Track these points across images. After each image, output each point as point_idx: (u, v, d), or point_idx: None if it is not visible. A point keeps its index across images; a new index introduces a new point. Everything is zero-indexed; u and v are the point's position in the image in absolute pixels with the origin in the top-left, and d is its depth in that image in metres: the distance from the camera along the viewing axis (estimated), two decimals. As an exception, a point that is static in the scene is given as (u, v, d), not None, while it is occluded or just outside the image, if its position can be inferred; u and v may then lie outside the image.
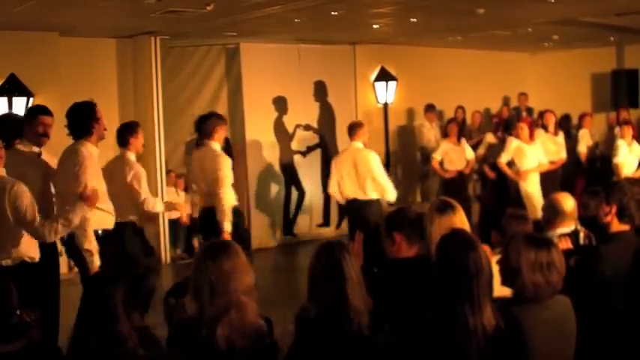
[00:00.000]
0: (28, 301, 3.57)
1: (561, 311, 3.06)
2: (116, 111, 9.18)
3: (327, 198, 10.77)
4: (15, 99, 7.78)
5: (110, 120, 5.53)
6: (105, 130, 5.05)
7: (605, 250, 3.85)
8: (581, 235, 4.09)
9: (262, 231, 10.19)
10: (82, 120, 4.89)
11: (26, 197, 4.33)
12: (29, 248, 4.46)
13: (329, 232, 10.70)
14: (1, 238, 4.37)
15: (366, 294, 3.04)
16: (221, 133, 6.50)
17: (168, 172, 9.43)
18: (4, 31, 7.81)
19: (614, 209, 3.90)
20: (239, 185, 10.00)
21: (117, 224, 5.22)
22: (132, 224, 5.66)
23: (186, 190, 9.70)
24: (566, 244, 4.00)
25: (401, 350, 3.02)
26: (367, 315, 3.00)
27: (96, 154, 4.92)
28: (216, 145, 6.42)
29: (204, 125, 6.48)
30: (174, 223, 9.50)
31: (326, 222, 10.75)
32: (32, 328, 3.18)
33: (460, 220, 3.71)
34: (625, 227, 3.90)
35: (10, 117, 6.07)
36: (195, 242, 9.72)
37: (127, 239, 5.57)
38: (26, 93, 7.87)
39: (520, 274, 2.97)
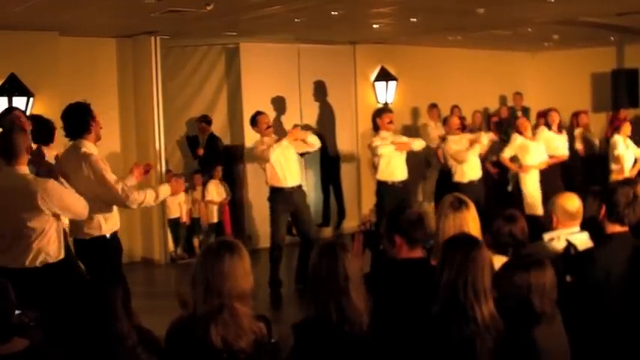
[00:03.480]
0: (35, 302, 3.58)
1: (560, 322, 3.10)
2: (116, 111, 9.19)
3: (326, 198, 10.77)
4: (15, 99, 7.78)
5: (111, 120, 5.57)
6: (101, 128, 5.07)
7: (598, 254, 3.82)
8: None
9: (262, 231, 10.17)
10: (81, 119, 4.90)
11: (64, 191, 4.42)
12: (51, 248, 4.44)
13: (329, 232, 10.70)
14: (22, 240, 4.36)
15: (366, 294, 3.04)
16: None
17: (167, 172, 9.42)
18: (4, 31, 7.81)
19: (603, 209, 3.89)
20: (238, 185, 10.05)
21: None
22: None
23: (186, 190, 9.70)
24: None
25: (402, 350, 3.03)
26: (367, 315, 3.00)
27: (96, 153, 4.93)
28: None
29: None
30: (174, 223, 9.50)
31: (326, 222, 10.74)
32: (32, 328, 3.18)
33: (473, 217, 3.71)
34: (619, 228, 3.88)
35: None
36: (196, 242, 9.72)
37: None
38: (26, 93, 7.87)
39: (533, 304, 2.98)
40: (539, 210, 7.73)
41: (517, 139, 8.76)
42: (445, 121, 8.98)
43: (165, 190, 5.15)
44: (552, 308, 3.02)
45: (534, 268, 2.99)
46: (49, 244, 4.40)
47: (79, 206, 4.50)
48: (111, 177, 4.80)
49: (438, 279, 3.00)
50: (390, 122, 8.13)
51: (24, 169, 4.40)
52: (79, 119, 4.90)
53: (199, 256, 2.94)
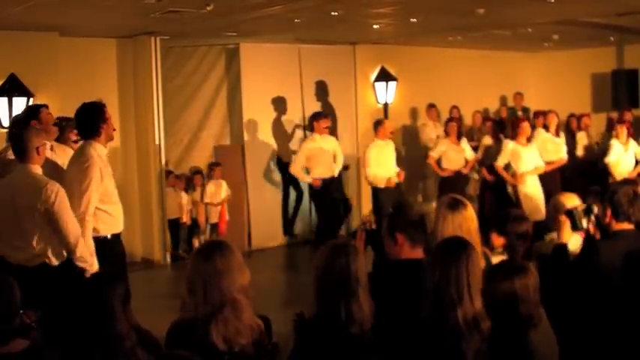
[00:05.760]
0: (35, 303, 3.59)
1: (546, 322, 3.11)
2: (116, 111, 9.16)
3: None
4: (15, 99, 7.78)
5: (110, 120, 5.53)
6: (114, 130, 5.06)
7: (605, 246, 3.89)
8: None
9: (261, 231, 10.19)
10: (91, 120, 4.89)
11: (65, 203, 4.35)
12: (52, 251, 4.44)
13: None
14: (25, 237, 4.39)
15: (370, 296, 3.05)
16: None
17: (168, 172, 9.42)
18: (4, 31, 7.81)
19: (609, 211, 3.96)
20: (238, 185, 10.04)
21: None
22: None
23: (186, 190, 9.71)
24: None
25: (400, 351, 3.03)
26: (370, 317, 3.01)
27: (104, 155, 4.92)
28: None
29: None
30: (174, 223, 9.50)
31: (326, 222, 10.72)
32: (33, 329, 3.18)
33: (470, 217, 3.71)
34: (627, 226, 3.94)
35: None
36: (196, 242, 9.71)
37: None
38: (26, 93, 7.87)
39: (519, 310, 2.98)
40: (541, 214, 7.61)
41: (509, 146, 8.64)
42: (445, 131, 9.64)
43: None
44: (537, 311, 3.02)
45: (518, 274, 3.00)
46: (50, 246, 4.40)
47: (73, 230, 4.37)
48: (84, 195, 4.66)
49: (425, 279, 3.01)
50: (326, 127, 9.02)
51: (35, 167, 4.45)
52: (90, 121, 4.88)
53: (191, 262, 2.95)
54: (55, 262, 4.43)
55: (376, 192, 9.02)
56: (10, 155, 4.88)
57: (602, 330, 3.56)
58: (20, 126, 4.97)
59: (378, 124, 9.17)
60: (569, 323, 3.20)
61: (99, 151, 4.86)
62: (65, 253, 4.51)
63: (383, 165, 8.98)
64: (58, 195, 4.35)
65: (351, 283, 2.98)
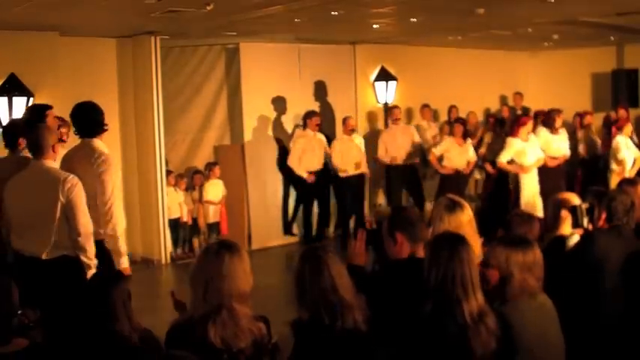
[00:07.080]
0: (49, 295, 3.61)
1: (546, 300, 3.17)
2: (116, 111, 9.18)
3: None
4: (15, 99, 7.78)
5: (111, 120, 5.55)
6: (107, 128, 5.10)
7: (600, 235, 3.98)
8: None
9: (262, 231, 10.18)
10: (94, 119, 4.92)
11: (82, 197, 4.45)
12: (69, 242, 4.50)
13: (330, 232, 10.69)
14: (44, 230, 4.44)
15: (356, 291, 3.06)
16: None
17: (168, 172, 9.42)
18: (4, 31, 7.81)
19: (603, 215, 4.04)
20: (238, 185, 10.05)
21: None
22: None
23: (186, 189, 9.71)
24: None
25: (401, 348, 3.04)
26: (360, 311, 3.02)
27: (107, 152, 4.95)
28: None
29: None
30: (174, 223, 9.50)
31: (326, 222, 10.73)
32: (33, 328, 3.19)
33: (468, 217, 3.72)
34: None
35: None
36: (196, 242, 9.72)
37: None
38: (26, 93, 7.87)
39: (512, 277, 3.05)
40: (538, 212, 7.68)
41: (513, 144, 8.66)
42: (451, 131, 9.84)
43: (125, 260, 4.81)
44: (539, 284, 3.10)
45: (522, 246, 3.11)
46: (68, 238, 4.46)
47: (84, 223, 4.45)
48: (110, 199, 4.72)
49: (427, 277, 3.03)
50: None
51: (50, 162, 4.55)
52: (93, 119, 4.91)
53: (198, 257, 2.95)
54: (73, 254, 4.49)
55: (341, 182, 10.02)
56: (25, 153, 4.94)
57: (597, 322, 3.59)
58: (36, 124, 4.99)
59: (343, 122, 10.11)
60: (563, 313, 3.22)
61: (104, 148, 4.90)
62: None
63: (345, 157, 9.89)
64: (77, 187, 4.45)
65: (326, 281, 2.99)
